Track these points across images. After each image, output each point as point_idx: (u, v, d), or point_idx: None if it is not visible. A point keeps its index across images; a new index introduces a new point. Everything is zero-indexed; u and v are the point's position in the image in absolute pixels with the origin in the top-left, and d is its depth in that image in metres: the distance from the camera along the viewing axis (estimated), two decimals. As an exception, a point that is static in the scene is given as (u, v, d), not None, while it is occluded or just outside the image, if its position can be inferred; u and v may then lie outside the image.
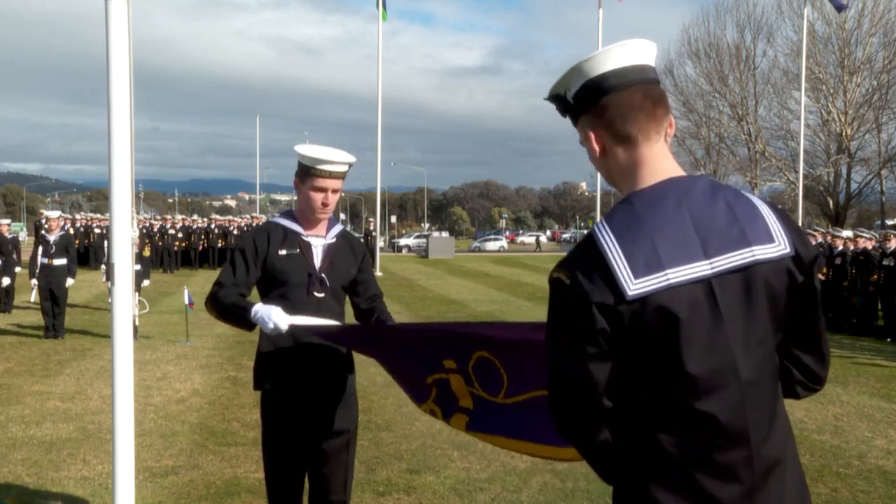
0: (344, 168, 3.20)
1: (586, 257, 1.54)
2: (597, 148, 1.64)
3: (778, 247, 1.56)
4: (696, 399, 1.51)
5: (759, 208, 1.60)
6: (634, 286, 1.48)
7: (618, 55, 1.60)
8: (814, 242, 14.44)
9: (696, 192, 1.58)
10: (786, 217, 1.62)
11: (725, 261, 1.52)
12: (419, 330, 3.00)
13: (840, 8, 23.52)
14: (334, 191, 3.19)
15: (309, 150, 3.19)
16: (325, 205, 3.19)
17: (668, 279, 1.49)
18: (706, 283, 1.51)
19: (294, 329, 3.00)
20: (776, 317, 1.58)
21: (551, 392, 1.59)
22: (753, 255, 1.54)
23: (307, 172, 3.17)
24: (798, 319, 1.62)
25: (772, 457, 1.56)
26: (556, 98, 1.69)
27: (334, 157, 3.15)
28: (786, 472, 1.59)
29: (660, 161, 1.61)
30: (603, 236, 1.54)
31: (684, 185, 1.59)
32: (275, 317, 2.96)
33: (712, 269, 1.51)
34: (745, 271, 1.53)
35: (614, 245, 1.51)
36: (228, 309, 3.11)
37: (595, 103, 1.61)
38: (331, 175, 3.16)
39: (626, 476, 1.57)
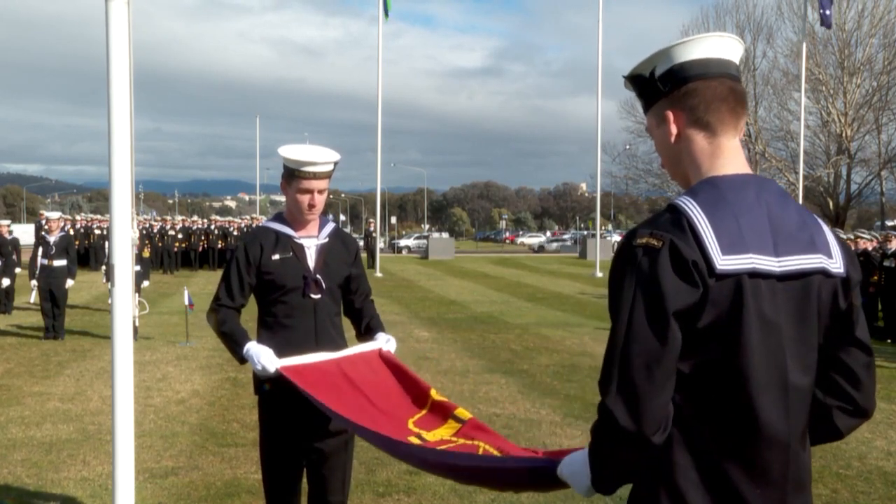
0: (328, 168, 3.17)
1: (675, 225, 1.49)
2: (674, 130, 1.62)
3: (836, 264, 1.57)
4: (745, 394, 1.47)
5: (821, 224, 1.61)
6: (723, 261, 1.45)
7: (708, 45, 1.60)
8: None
9: (773, 191, 1.58)
10: (839, 237, 1.63)
11: (792, 262, 1.51)
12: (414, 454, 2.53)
13: (826, 22, 23.82)
14: (320, 191, 3.17)
15: (292, 151, 3.15)
16: (312, 206, 3.18)
17: (753, 263, 1.47)
18: (772, 278, 1.49)
19: (280, 373, 2.96)
20: (820, 331, 1.58)
21: (620, 369, 1.46)
22: (821, 263, 1.54)
23: (292, 175, 3.16)
24: (835, 343, 1.62)
25: (804, 467, 1.56)
26: (637, 78, 1.67)
27: (317, 158, 3.13)
28: (809, 488, 1.59)
29: (738, 157, 1.61)
30: (690, 209, 1.50)
31: (762, 181, 1.59)
32: (263, 360, 2.97)
33: (780, 266, 1.50)
34: (806, 278, 1.53)
35: (703, 218, 1.48)
36: (226, 337, 3.16)
37: (680, 87, 1.60)
38: (315, 176, 3.14)
39: (653, 474, 1.51)
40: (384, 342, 3.22)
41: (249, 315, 3.16)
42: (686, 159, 1.62)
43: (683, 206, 1.51)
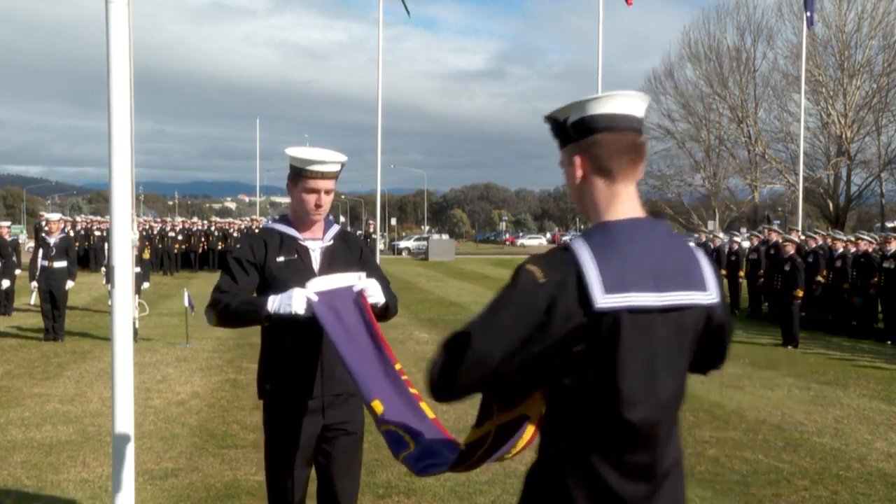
0: (335, 168, 3.16)
1: (563, 262, 1.71)
2: (579, 174, 1.84)
3: (709, 295, 1.82)
4: (620, 409, 1.72)
5: (699, 259, 1.85)
6: (602, 300, 1.67)
7: (617, 103, 1.81)
8: (814, 245, 14.51)
9: (659, 234, 1.81)
10: (713, 266, 1.89)
11: (672, 298, 1.75)
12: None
13: (810, 23, 24.16)
14: (327, 191, 3.15)
15: (299, 151, 3.15)
16: (318, 206, 3.15)
17: (630, 301, 1.69)
18: (652, 313, 1.72)
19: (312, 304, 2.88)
20: (692, 350, 1.85)
21: (455, 348, 1.75)
22: (693, 300, 1.79)
23: (299, 174, 3.14)
24: (707, 352, 1.91)
25: (670, 461, 1.82)
26: (552, 121, 1.90)
27: (325, 157, 3.12)
28: (678, 473, 1.85)
29: (631, 201, 1.84)
30: (581, 249, 1.72)
31: (650, 225, 1.82)
32: (295, 297, 2.86)
33: (661, 302, 1.73)
34: (683, 311, 1.77)
35: (592, 258, 1.70)
36: (240, 308, 3.00)
37: (587, 136, 1.81)
38: (322, 175, 3.12)
39: (542, 469, 1.79)
40: (358, 279, 3.04)
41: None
42: (587, 199, 1.86)
43: (575, 246, 1.74)
